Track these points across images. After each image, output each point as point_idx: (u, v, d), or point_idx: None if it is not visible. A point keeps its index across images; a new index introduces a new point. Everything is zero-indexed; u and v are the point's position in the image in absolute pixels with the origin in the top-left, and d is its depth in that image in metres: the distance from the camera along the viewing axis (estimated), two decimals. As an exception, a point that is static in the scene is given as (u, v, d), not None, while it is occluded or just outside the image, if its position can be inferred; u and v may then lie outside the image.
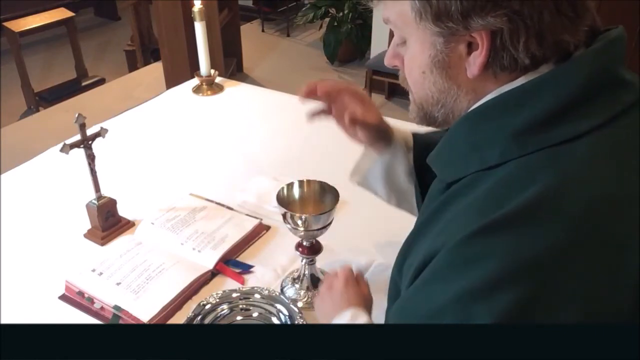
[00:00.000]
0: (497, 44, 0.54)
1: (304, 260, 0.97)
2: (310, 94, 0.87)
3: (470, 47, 0.56)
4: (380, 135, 0.89)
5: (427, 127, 0.69)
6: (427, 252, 0.56)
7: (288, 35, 5.08)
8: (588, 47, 0.56)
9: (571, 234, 0.47)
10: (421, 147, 0.88)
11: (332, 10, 4.20)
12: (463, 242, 0.51)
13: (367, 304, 0.81)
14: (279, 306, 0.92)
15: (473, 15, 0.53)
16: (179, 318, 0.93)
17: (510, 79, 0.57)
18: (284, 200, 0.93)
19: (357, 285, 0.83)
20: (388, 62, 0.68)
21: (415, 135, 0.91)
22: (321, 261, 1.00)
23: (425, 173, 0.83)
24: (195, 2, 1.70)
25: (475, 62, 0.56)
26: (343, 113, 0.86)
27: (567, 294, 0.46)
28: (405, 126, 0.93)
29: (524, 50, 0.54)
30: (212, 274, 1.02)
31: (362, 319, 0.76)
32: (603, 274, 0.47)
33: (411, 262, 0.61)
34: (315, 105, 0.89)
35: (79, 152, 1.06)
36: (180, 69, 3.19)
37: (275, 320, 0.91)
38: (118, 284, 0.96)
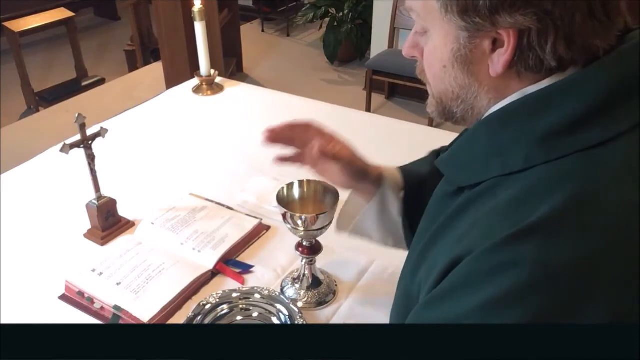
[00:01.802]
0: (524, 43, 0.52)
1: (304, 260, 0.97)
2: (273, 140, 0.84)
3: (495, 43, 0.54)
4: (360, 174, 0.84)
5: (445, 122, 0.66)
6: (449, 258, 0.54)
7: (288, 35, 5.08)
8: (616, 48, 0.54)
9: (600, 243, 0.46)
10: (413, 182, 0.85)
11: (332, 10, 4.20)
12: (490, 250, 0.49)
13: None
14: (279, 306, 0.92)
15: (502, 12, 0.51)
16: (179, 318, 0.93)
17: (535, 80, 0.55)
18: (284, 200, 0.93)
19: None
20: (406, 52, 0.65)
21: (404, 171, 0.87)
22: (321, 261, 1.00)
23: (415, 207, 0.81)
24: (195, 2, 1.70)
25: (499, 60, 0.54)
26: (309, 151, 0.82)
27: (594, 303, 0.45)
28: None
29: (551, 52, 0.52)
30: (212, 274, 1.02)
31: None
32: (632, 282, 0.46)
33: (429, 268, 0.60)
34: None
35: (79, 152, 1.06)
36: (180, 69, 3.19)
37: (275, 320, 0.91)
38: (118, 284, 0.96)
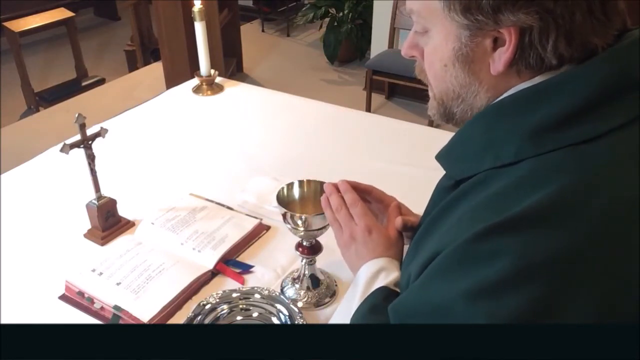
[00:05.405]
0: (525, 41, 0.53)
1: (304, 260, 0.97)
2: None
3: (496, 42, 0.55)
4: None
5: (446, 123, 0.67)
6: (434, 248, 0.55)
7: (288, 35, 5.08)
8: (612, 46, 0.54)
9: (586, 237, 0.46)
10: None
11: (332, 10, 4.20)
12: (474, 239, 0.50)
13: (395, 250, 0.78)
14: (279, 306, 0.92)
15: (504, 10, 0.52)
16: (179, 318, 0.93)
17: (531, 77, 0.56)
18: (284, 200, 0.93)
19: (381, 230, 0.79)
20: (405, 52, 0.66)
21: None
22: (321, 261, 1.00)
23: None
24: (195, 2, 1.70)
25: (500, 58, 0.55)
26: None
27: (578, 297, 0.45)
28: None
29: (552, 50, 0.53)
30: (212, 274, 1.02)
31: (386, 274, 0.74)
32: (616, 277, 0.46)
33: (419, 259, 0.60)
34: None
35: (79, 152, 1.06)
36: (180, 69, 3.19)
37: (275, 320, 0.91)
38: (118, 284, 0.96)
